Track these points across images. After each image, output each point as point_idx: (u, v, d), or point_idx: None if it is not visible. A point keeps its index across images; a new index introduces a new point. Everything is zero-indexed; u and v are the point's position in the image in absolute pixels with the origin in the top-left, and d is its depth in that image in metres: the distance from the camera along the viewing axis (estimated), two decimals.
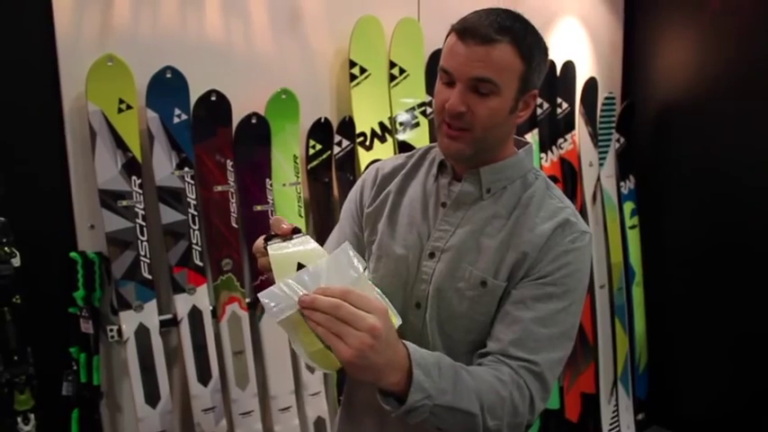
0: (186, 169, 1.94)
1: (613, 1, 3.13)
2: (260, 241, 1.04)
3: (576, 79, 2.89)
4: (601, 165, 2.98)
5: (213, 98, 1.95)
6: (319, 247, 0.99)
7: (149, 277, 1.88)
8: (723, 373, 2.92)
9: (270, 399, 2.12)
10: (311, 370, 2.19)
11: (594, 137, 2.95)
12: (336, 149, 2.24)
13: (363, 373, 0.84)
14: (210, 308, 2.01)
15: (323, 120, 2.19)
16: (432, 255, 1.14)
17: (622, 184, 3.08)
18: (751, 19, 2.69)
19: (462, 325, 1.11)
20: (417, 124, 2.39)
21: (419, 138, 2.38)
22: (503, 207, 1.13)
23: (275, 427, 2.13)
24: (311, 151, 2.19)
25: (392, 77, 2.33)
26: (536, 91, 1.11)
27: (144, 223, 1.86)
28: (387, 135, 2.33)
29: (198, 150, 1.97)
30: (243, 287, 2.07)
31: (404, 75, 2.35)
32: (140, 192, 1.85)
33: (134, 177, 1.84)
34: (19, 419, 1.68)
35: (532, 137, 2.73)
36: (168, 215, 1.92)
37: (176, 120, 1.91)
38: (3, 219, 1.64)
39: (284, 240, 1.00)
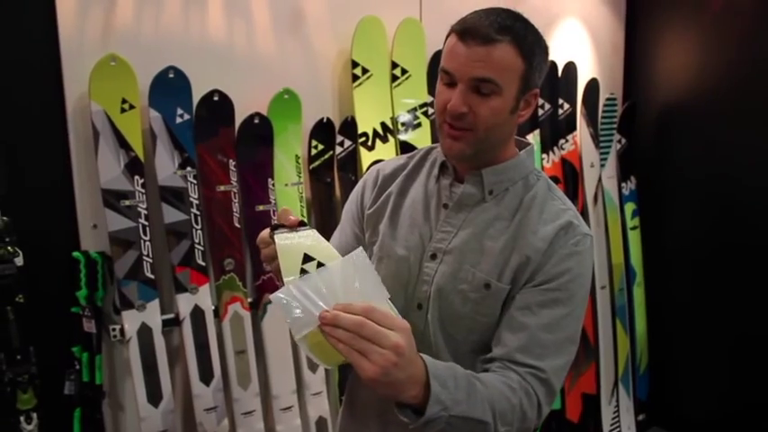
0: (189, 169, 1.94)
1: (615, 2, 3.14)
2: (265, 232, 1.05)
3: (577, 80, 2.89)
4: (602, 165, 2.98)
5: (216, 98, 1.96)
6: (325, 241, 1.00)
7: (152, 277, 1.88)
8: (724, 375, 2.92)
9: (272, 398, 2.13)
10: (313, 369, 2.20)
11: (596, 138, 2.95)
12: (338, 149, 2.25)
13: (384, 388, 0.85)
14: (213, 307, 2.01)
15: (325, 120, 2.20)
16: (434, 256, 1.14)
17: (623, 184, 3.08)
18: (752, 20, 2.69)
19: (465, 326, 1.11)
20: (419, 124, 2.39)
21: (421, 138, 2.39)
22: (505, 209, 1.13)
23: (277, 426, 2.13)
24: (313, 151, 2.20)
25: (394, 78, 2.33)
26: (537, 90, 1.11)
27: (146, 223, 1.86)
28: (389, 135, 2.33)
29: (200, 150, 1.97)
30: (245, 287, 2.07)
31: (406, 75, 2.35)
32: (143, 191, 1.86)
33: (137, 177, 1.84)
34: (21, 418, 1.68)
35: (534, 137, 2.73)
36: (171, 215, 1.92)
37: (179, 119, 1.91)
38: (5, 218, 1.65)
39: (290, 231, 1.01)
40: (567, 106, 2.86)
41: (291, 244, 0.98)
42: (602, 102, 2.97)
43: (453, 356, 1.12)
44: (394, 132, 2.35)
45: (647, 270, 3.16)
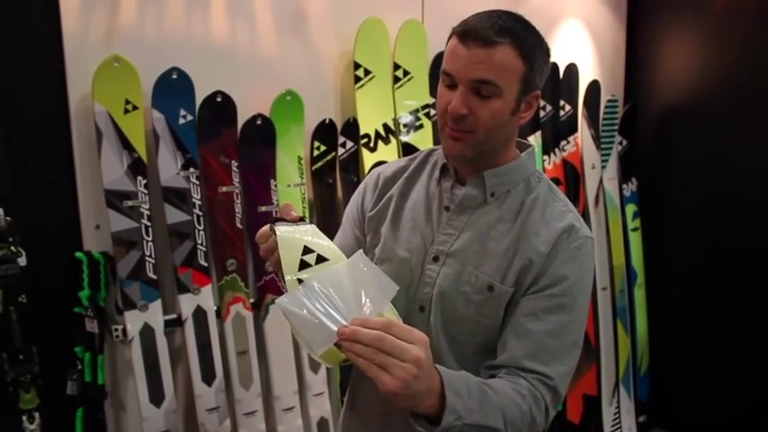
0: (191, 170, 1.95)
1: (616, 3, 3.14)
2: (265, 227, 1.07)
3: (578, 82, 2.89)
4: (603, 167, 2.99)
5: (218, 99, 1.96)
6: (325, 236, 1.02)
7: (154, 277, 1.88)
8: (725, 376, 2.92)
9: (273, 399, 2.13)
10: (315, 369, 2.20)
11: (597, 139, 2.96)
12: (341, 151, 2.25)
13: (404, 401, 0.85)
14: (215, 308, 2.01)
15: (327, 121, 2.20)
16: (436, 258, 1.15)
17: (625, 186, 3.09)
18: (753, 21, 2.69)
19: (468, 328, 1.12)
20: (421, 126, 2.40)
21: (423, 139, 2.39)
22: (507, 211, 1.14)
23: (278, 427, 2.14)
24: (316, 152, 2.20)
25: (396, 79, 2.34)
26: (538, 92, 1.12)
27: (149, 223, 1.87)
28: (391, 137, 2.34)
29: (203, 151, 1.98)
30: (247, 287, 2.08)
31: (408, 77, 2.36)
32: (146, 192, 1.86)
33: (139, 178, 1.85)
34: (24, 418, 1.69)
35: (535, 139, 2.73)
36: (173, 215, 1.93)
37: (182, 120, 1.92)
38: (9, 218, 1.65)
39: (290, 225, 1.02)
40: (568, 108, 2.86)
41: (292, 237, 0.99)
42: (603, 103, 2.97)
43: (456, 358, 1.13)
44: (396, 134, 2.35)
45: (648, 271, 3.16)
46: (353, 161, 2.29)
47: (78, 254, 1.81)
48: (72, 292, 1.81)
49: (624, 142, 3.08)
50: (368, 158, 2.28)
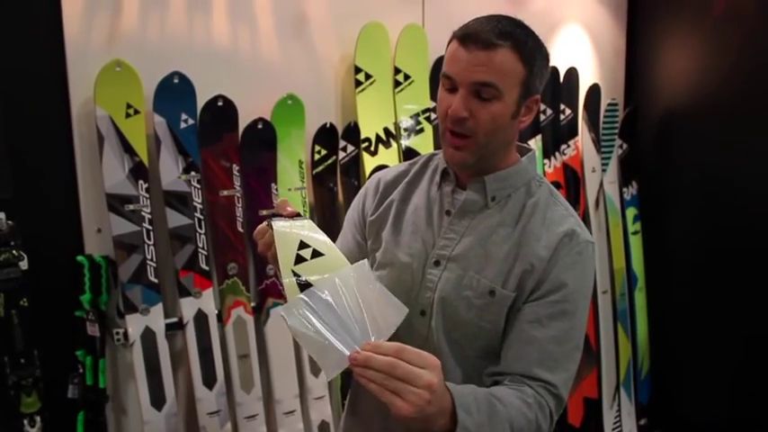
0: (193, 174, 1.95)
1: (616, 8, 3.14)
2: (263, 224, 1.08)
3: (579, 86, 2.90)
4: (604, 171, 2.99)
5: (220, 103, 1.97)
6: (321, 231, 1.03)
7: (155, 281, 1.89)
8: (726, 379, 2.92)
9: (274, 402, 2.13)
10: (316, 373, 2.20)
11: (597, 143, 2.96)
12: (341, 155, 2.26)
13: (417, 423, 0.86)
14: (216, 311, 2.02)
15: (328, 125, 2.21)
16: (437, 263, 1.15)
17: (625, 189, 3.09)
18: (753, 25, 2.70)
19: (469, 332, 1.12)
20: (422, 130, 2.40)
21: (423, 143, 2.40)
22: (508, 215, 1.14)
23: (279, 430, 2.14)
24: (316, 156, 2.21)
25: (397, 83, 2.34)
26: (538, 96, 1.12)
27: (150, 227, 1.87)
28: (391, 141, 2.34)
29: (204, 155, 1.98)
30: (248, 291, 2.08)
31: (408, 81, 2.36)
32: (147, 196, 1.87)
33: (141, 181, 1.85)
34: (25, 422, 1.69)
35: (535, 143, 2.74)
36: (174, 219, 1.93)
37: (183, 125, 1.92)
38: (11, 222, 1.66)
39: (287, 221, 1.03)
40: (568, 112, 2.86)
41: (288, 232, 1.00)
42: (603, 107, 2.97)
43: (457, 361, 1.13)
44: (397, 138, 2.36)
45: (649, 275, 3.16)
46: (354, 165, 2.29)
47: (80, 257, 1.82)
48: (73, 295, 1.81)
49: (624, 146, 3.08)
50: (369, 162, 2.29)
